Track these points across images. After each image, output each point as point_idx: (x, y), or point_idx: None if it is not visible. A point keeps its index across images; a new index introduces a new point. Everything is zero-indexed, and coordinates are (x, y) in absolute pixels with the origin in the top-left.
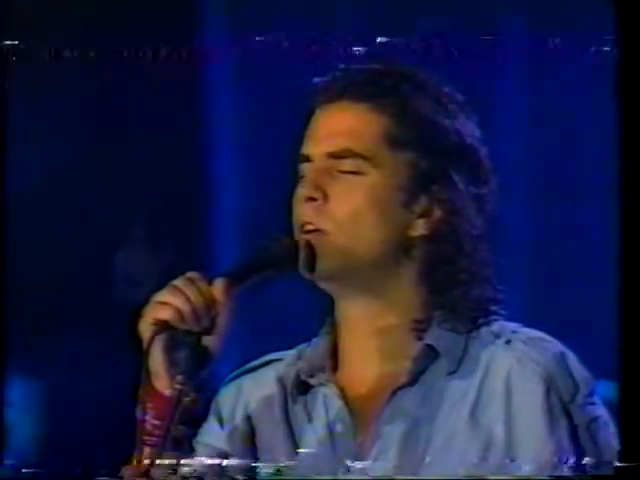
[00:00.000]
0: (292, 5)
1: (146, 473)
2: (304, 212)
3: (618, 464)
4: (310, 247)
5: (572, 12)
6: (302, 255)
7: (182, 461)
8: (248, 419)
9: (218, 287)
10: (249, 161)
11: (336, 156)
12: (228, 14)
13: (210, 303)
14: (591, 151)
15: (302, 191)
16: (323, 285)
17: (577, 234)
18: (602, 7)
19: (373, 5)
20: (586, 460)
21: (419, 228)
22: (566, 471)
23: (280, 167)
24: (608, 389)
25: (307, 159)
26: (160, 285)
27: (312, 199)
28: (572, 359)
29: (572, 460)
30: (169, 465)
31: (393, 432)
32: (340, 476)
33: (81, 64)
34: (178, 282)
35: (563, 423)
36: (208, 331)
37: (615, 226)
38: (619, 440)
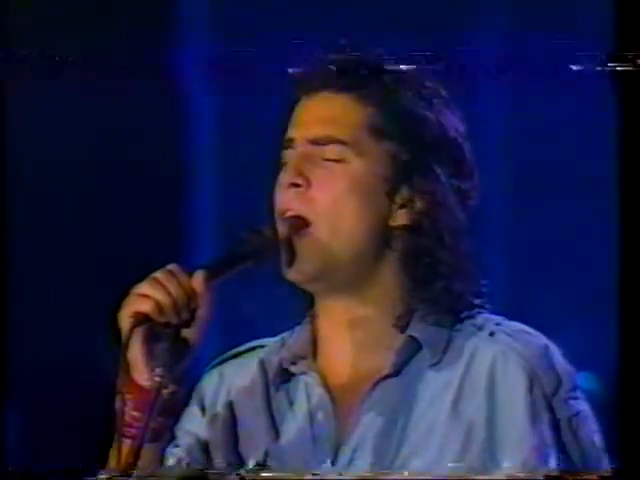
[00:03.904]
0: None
1: (130, 466)
2: (286, 198)
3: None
4: (291, 248)
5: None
6: (283, 257)
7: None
8: (230, 407)
9: (198, 279)
10: (228, 154)
11: (318, 142)
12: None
13: (190, 296)
14: (580, 145)
15: (285, 177)
16: (305, 286)
17: (565, 228)
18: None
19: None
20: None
21: (400, 218)
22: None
23: (259, 160)
24: (589, 381)
25: (290, 145)
26: (140, 277)
27: (295, 185)
28: (555, 352)
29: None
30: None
31: (374, 422)
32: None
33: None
34: (158, 274)
35: (545, 417)
36: (188, 324)
37: (605, 220)
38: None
